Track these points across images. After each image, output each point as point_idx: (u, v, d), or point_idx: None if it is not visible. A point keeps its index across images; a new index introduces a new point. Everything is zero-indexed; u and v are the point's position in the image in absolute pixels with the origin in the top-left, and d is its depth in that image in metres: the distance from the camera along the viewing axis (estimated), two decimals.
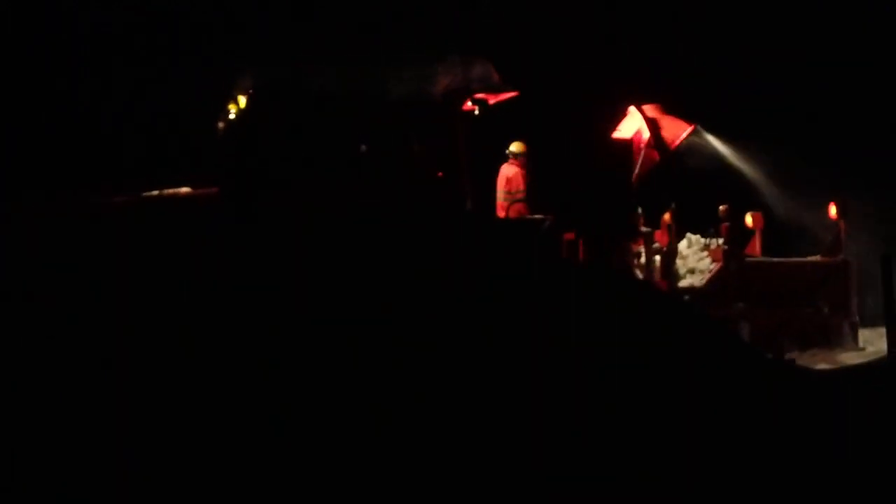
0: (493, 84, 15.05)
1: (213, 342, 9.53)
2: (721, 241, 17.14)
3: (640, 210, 16.72)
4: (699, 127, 17.01)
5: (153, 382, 9.07)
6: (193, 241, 11.08)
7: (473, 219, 14.29)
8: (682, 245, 17.52)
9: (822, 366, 15.22)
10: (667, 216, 17.16)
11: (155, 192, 13.86)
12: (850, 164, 19.54)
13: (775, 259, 17.49)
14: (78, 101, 21.08)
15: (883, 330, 14.32)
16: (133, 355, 9.32)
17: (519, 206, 16.53)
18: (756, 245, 17.73)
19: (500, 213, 16.51)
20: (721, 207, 17.20)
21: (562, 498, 8.33)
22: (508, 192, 16.73)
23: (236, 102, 14.46)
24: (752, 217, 17.65)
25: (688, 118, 16.92)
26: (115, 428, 8.58)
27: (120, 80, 21.11)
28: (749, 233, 17.73)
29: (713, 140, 17.38)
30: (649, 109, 16.79)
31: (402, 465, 8.49)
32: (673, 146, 16.76)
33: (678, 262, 17.09)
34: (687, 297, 16.40)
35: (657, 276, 16.69)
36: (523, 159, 17.01)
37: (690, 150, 17.20)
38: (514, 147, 17.08)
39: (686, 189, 17.34)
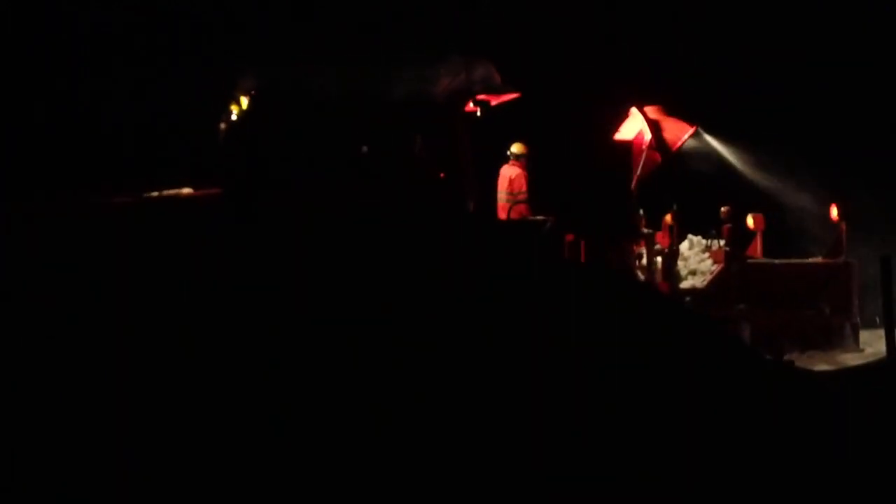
0: (495, 85, 15.05)
1: (214, 342, 9.52)
2: (722, 242, 17.15)
3: (641, 211, 16.71)
4: (700, 128, 17.01)
5: (153, 382, 9.06)
6: (195, 242, 11.07)
7: (475, 220, 14.28)
8: (684, 246, 17.52)
9: (820, 367, 15.24)
10: (668, 217, 17.17)
11: (156, 193, 13.85)
12: (851, 165, 19.56)
13: (777, 260, 17.50)
14: (78, 101, 21.07)
15: (882, 331, 14.31)
16: (133, 355, 9.31)
17: (521, 208, 16.53)
18: (757, 246, 17.75)
19: (502, 215, 16.51)
20: (722, 209, 17.21)
21: (562, 498, 8.32)
22: (510, 193, 16.73)
23: (238, 103, 14.46)
24: (754, 218, 17.67)
25: (689, 120, 16.92)
26: (116, 428, 8.56)
27: (120, 80, 21.10)
28: (750, 234, 17.75)
29: (714, 141, 17.38)
30: (651, 111, 16.78)
31: (403, 464, 8.47)
32: (674, 148, 16.76)
33: (679, 263, 17.10)
34: (688, 299, 16.41)
35: (659, 277, 16.69)
36: (524, 160, 17.02)
37: (692, 151, 17.20)
38: (515, 148, 17.09)
39: (687, 190, 17.34)
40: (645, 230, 16.71)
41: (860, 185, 18.19)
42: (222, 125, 14.82)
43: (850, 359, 16.21)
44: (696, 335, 11.37)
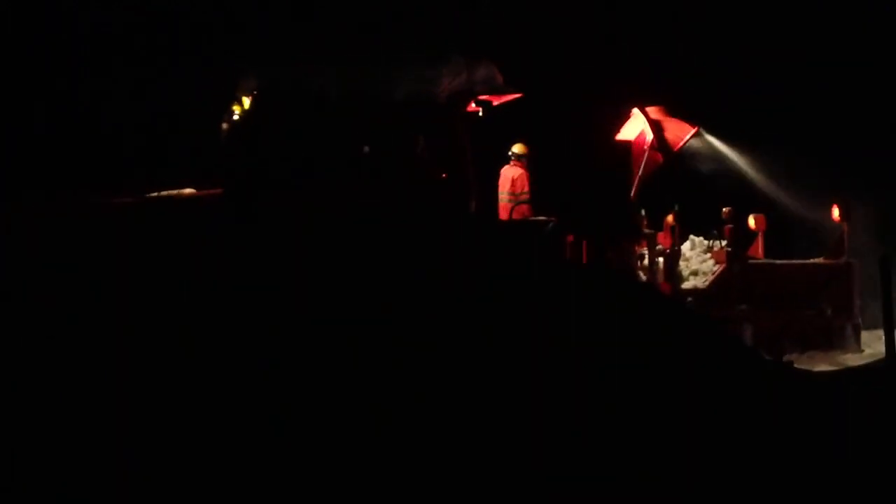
0: (497, 85, 15.04)
1: (215, 342, 9.51)
2: (724, 242, 17.14)
3: (643, 212, 16.70)
4: (702, 129, 17.00)
5: (154, 382, 9.05)
6: (197, 242, 11.07)
7: (477, 220, 14.28)
8: (686, 247, 17.52)
9: (821, 367, 15.23)
10: (670, 218, 17.17)
11: (158, 193, 13.86)
12: (852, 166, 19.53)
13: (778, 261, 17.50)
14: (78, 101, 21.06)
15: (882, 332, 14.31)
16: (134, 355, 9.30)
17: (523, 208, 16.53)
18: (759, 247, 17.75)
19: (503, 215, 16.50)
20: (724, 209, 17.19)
21: (562, 498, 8.30)
22: (512, 194, 16.73)
23: (240, 103, 14.46)
24: (755, 219, 17.67)
25: (691, 120, 16.91)
26: (116, 428, 8.55)
27: (120, 80, 21.10)
28: (752, 234, 17.73)
29: (716, 142, 17.38)
30: (653, 111, 16.78)
31: (403, 464, 8.46)
32: (676, 148, 16.75)
33: (681, 263, 17.09)
34: (690, 299, 16.40)
35: (660, 277, 16.69)
36: (525, 161, 17.02)
37: (694, 152, 17.19)
38: (517, 148, 17.09)
39: (689, 191, 17.35)
40: (647, 230, 16.70)
41: (861, 185, 18.15)
42: (224, 125, 14.81)
43: (851, 359, 16.22)
44: (695, 335, 11.37)
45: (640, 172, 16.64)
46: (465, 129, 14.91)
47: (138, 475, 8.18)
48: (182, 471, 8.27)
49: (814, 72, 22.04)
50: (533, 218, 16.19)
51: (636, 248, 16.53)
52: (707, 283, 16.90)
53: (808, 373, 13.67)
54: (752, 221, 17.66)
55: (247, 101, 14.47)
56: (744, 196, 17.92)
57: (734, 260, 16.89)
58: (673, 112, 16.91)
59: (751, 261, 17.24)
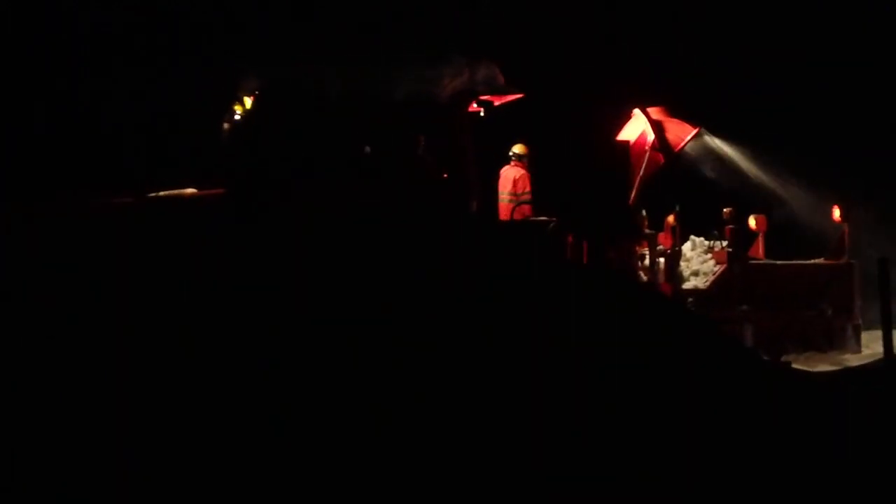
0: (499, 86, 15.03)
1: (216, 342, 9.51)
2: (725, 243, 17.13)
3: (644, 212, 16.69)
4: (703, 130, 16.99)
5: (154, 383, 9.04)
6: (198, 242, 11.06)
7: (479, 220, 14.28)
8: (686, 247, 17.51)
9: (820, 368, 15.25)
10: (671, 218, 17.16)
11: (160, 193, 13.85)
12: (853, 166, 19.53)
13: (779, 261, 17.50)
14: (78, 101, 21.06)
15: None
16: (134, 355, 9.30)
17: (524, 208, 16.52)
18: (759, 247, 17.76)
19: (504, 215, 16.49)
20: (725, 210, 17.18)
21: (562, 498, 8.30)
22: (514, 194, 16.72)
23: (241, 103, 14.45)
24: (756, 219, 17.68)
25: (692, 121, 16.90)
26: (116, 428, 8.55)
27: (120, 80, 21.09)
28: (752, 235, 17.73)
29: (717, 143, 17.36)
30: (654, 112, 16.76)
31: (403, 465, 8.46)
32: (677, 149, 16.73)
33: (682, 264, 17.08)
34: (691, 300, 16.40)
35: (661, 278, 16.67)
36: (526, 161, 17.01)
37: (694, 152, 17.18)
38: (517, 149, 17.08)
39: (690, 191, 17.33)
40: (648, 231, 16.69)
41: (862, 186, 18.15)
42: (225, 125, 14.81)
43: (851, 360, 16.24)
44: (693, 336, 11.36)
45: (641, 173, 16.62)
46: (467, 129, 14.90)
47: (138, 475, 8.17)
48: (182, 471, 8.27)
49: (814, 72, 22.03)
50: (534, 218, 16.19)
51: (637, 248, 16.52)
52: (708, 283, 16.89)
53: (807, 373, 13.67)
54: (752, 222, 17.66)
55: (248, 101, 14.48)
56: (744, 196, 17.90)
57: (735, 260, 16.88)
58: (674, 113, 16.90)
59: (751, 261, 17.24)
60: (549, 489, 8.34)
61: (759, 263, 17.30)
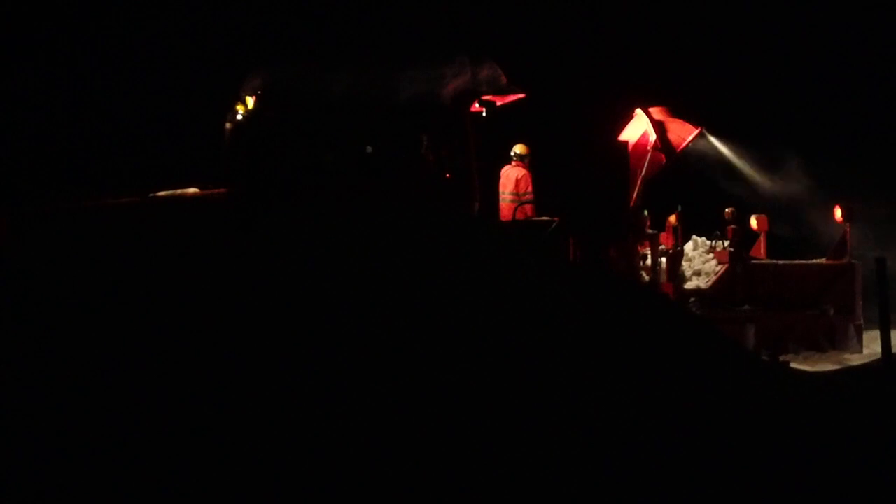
0: (501, 86, 15.03)
1: (217, 342, 9.49)
2: (726, 243, 17.15)
3: (646, 212, 16.70)
4: (705, 130, 16.99)
5: (155, 383, 9.03)
6: (201, 241, 11.04)
7: (481, 220, 14.27)
8: (688, 247, 17.54)
9: (820, 367, 15.28)
10: (673, 218, 17.19)
11: (162, 193, 13.85)
12: (854, 166, 19.56)
13: (780, 261, 17.52)
14: (79, 102, 21.06)
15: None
16: (135, 356, 9.28)
17: (527, 208, 16.53)
18: (761, 247, 17.78)
19: (506, 215, 16.49)
20: (726, 210, 17.21)
21: (562, 498, 8.30)
22: (516, 194, 16.73)
23: (244, 103, 14.44)
24: (758, 219, 17.71)
25: (694, 121, 16.91)
26: (116, 428, 8.53)
27: (121, 80, 21.09)
28: (754, 235, 17.75)
29: (719, 143, 17.37)
30: (656, 112, 16.77)
31: (402, 465, 8.45)
32: (679, 149, 16.74)
33: (684, 264, 17.11)
34: (693, 300, 16.42)
35: (663, 278, 16.69)
36: (527, 161, 17.02)
37: (696, 152, 17.19)
38: (518, 149, 17.10)
39: (692, 191, 17.35)
40: (650, 231, 16.70)
41: (863, 186, 18.18)
42: (228, 125, 14.80)
43: (852, 359, 16.28)
44: (691, 336, 11.37)
45: (643, 173, 16.63)
46: (470, 129, 14.90)
47: (138, 475, 8.16)
48: (182, 471, 8.26)
49: (814, 72, 22.07)
50: (536, 218, 16.20)
51: (639, 248, 16.53)
52: (710, 283, 16.92)
53: (806, 373, 13.69)
54: (754, 222, 17.69)
55: (250, 101, 14.46)
56: (746, 196, 17.92)
57: (737, 260, 16.91)
58: (676, 113, 16.91)
59: (753, 261, 17.26)
60: (549, 489, 8.34)
61: (760, 263, 17.32)
